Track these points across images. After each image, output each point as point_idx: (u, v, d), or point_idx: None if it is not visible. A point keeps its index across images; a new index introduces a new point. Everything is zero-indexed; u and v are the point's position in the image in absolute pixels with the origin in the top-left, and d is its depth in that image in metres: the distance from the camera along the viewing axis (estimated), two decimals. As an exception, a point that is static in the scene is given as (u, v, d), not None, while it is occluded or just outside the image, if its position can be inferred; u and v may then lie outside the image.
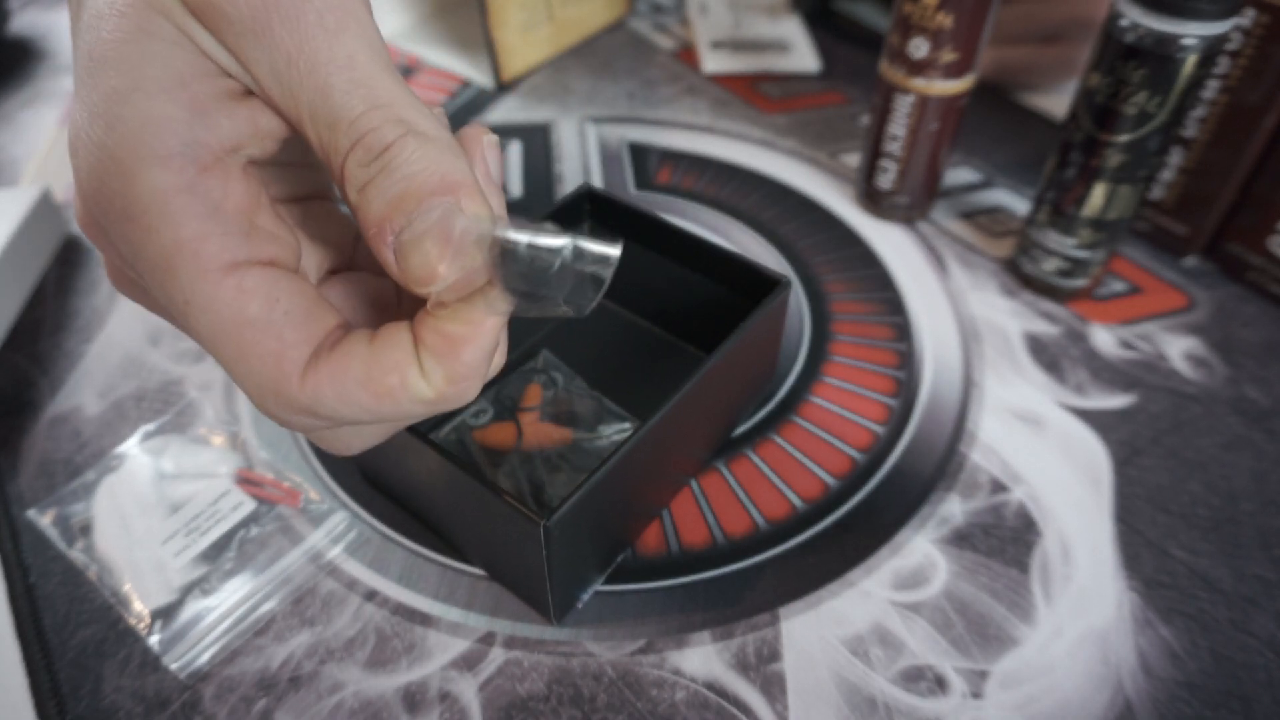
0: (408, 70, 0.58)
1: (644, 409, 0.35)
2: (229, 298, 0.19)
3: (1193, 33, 0.33)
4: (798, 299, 0.42)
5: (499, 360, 0.22)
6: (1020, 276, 0.43)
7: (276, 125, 0.20)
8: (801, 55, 0.60)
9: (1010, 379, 0.38)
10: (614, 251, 0.21)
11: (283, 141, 0.21)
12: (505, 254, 0.19)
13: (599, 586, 0.31)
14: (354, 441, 0.23)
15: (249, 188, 0.20)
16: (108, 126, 0.18)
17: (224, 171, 0.19)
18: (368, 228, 0.19)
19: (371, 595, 0.31)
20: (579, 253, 0.20)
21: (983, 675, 0.29)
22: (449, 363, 0.20)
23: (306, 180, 0.24)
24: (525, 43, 0.56)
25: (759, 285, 0.33)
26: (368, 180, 0.19)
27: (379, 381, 0.20)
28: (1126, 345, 0.40)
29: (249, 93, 0.20)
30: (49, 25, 0.65)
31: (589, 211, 0.38)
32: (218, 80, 0.19)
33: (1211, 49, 0.33)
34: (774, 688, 0.28)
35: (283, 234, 0.21)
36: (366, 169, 0.19)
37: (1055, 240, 0.40)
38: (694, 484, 0.34)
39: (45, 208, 0.43)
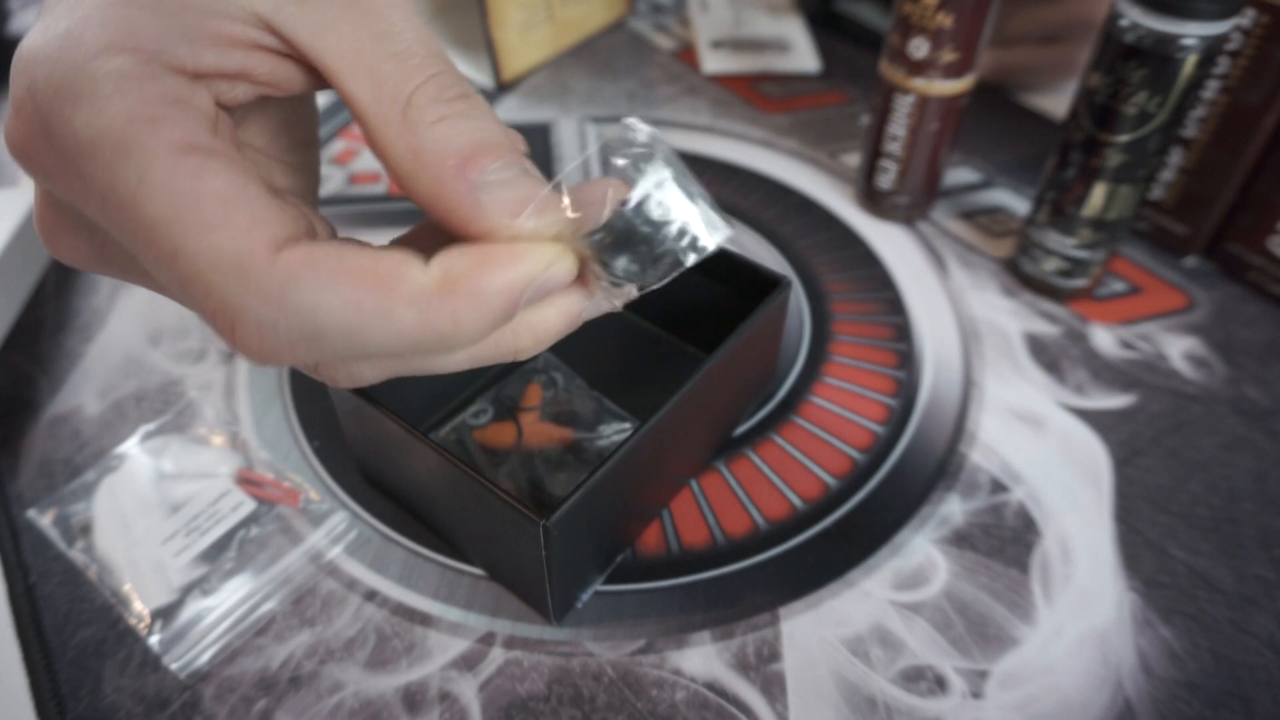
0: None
1: (644, 409, 0.35)
2: (191, 169, 0.17)
3: (1193, 33, 0.33)
4: (798, 299, 0.42)
5: (531, 340, 0.21)
6: (1020, 276, 0.43)
7: (270, 73, 0.20)
8: (802, 55, 0.60)
9: (1010, 379, 0.38)
10: (717, 238, 0.22)
11: (264, 99, 0.20)
12: (613, 225, 0.20)
13: (599, 587, 0.31)
14: (339, 369, 0.20)
15: (217, 111, 0.19)
16: (84, 19, 0.17)
17: (193, 84, 0.18)
18: (444, 158, 0.19)
19: (371, 595, 0.31)
20: (682, 233, 0.21)
21: (983, 675, 0.29)
22: (466, 273, 0.18)
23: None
24: (525, 43, 0.56)
25: (759, 285, 0.33)
26: (446, 115, 0.19)
27: (369, 269, 0.17)
28: (1126, 345, 0.40)
29: (253, 45, 0.19)
30: (49, 25, 0.65)
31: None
32: (225, 22, 0.19)
33: (1211, 49, 0.33)
34: (774, 688, 0.28)
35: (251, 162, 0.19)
36: (447, 104, 0.19)
37: (1055, 240, 0.40)
38: (694, 484, 0.34)
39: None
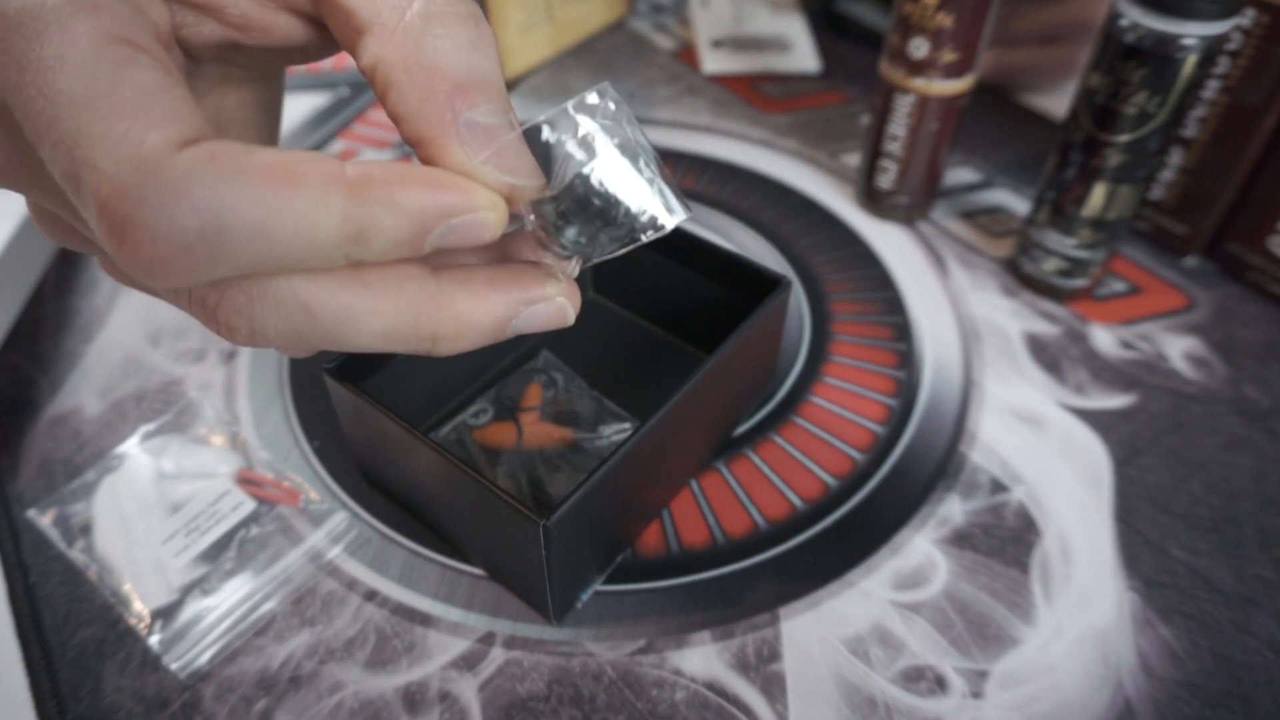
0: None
1: (644, 409, 0.35)
2: (117, 58, 0.16)
3: (1193, 33, 0.33)
4: (798, 299, 0.42)
5: (454, 328, 0.19)
6: (1020, 276, 0.43)
7: (243, 15, 0.19)
8: (802, 55, 0.60)
9: (1010, 379, 0.38)
10: (674, 219, 0.21)
11: (230, 77, 0.20)
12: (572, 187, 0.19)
13: (599, 586, 0.31)
14: (240, 312, 0.18)
15: (171, 38, 0.18)
16: None
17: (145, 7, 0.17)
18: (437, 79, 0.18)
19: (371, 595, 0.31)
20: (639, 210, 0.20)
21: (983, 675, 0.29)
22: (384, 179, 0.17)
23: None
24: (525, 43, 0.56)
25: (759, 285, 0.33)
26: (449, 35, 0.18)
27: (280, 163, 0.16)
28: (1126, 345, 0.40)
29: None
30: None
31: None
32: None
33: (1211, 49, 0.33)
34: (774, 688, 0.28)
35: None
36: (455, 23, 0.18)
37: (1055, 240, 0.40)
38: (694, 484, 0.34)
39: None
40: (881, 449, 0.36)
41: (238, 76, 0.22)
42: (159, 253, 0.15)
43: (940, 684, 0.29)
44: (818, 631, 0.30)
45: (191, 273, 0.16)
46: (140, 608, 0.30)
